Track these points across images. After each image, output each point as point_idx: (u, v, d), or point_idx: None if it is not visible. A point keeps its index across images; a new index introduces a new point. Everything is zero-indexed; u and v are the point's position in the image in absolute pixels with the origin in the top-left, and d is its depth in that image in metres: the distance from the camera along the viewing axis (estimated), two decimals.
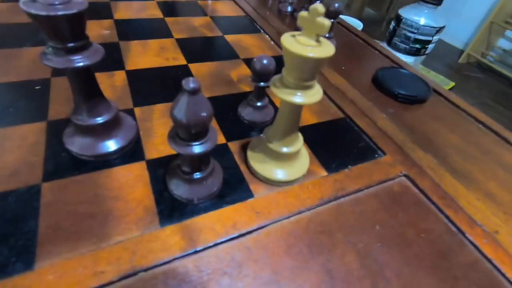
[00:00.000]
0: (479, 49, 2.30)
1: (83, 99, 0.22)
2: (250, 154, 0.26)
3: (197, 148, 0.19)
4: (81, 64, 0.19)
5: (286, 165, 0.24)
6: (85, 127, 0.23)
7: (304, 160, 0.26)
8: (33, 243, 0.19)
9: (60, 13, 0.17)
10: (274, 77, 0.21)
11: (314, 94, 0.20)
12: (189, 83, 0.17)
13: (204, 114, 0.18)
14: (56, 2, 0.17)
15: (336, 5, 0.42)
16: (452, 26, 2.41)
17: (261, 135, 0.27)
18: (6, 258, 0.18)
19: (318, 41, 0.18)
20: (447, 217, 0.24)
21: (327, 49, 0.18)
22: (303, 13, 0.18)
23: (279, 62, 0.31)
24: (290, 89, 0.20)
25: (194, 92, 0.17)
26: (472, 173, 0.29)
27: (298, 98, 0.20)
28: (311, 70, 0.19)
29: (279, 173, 0.24)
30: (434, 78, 1.39)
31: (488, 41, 2.29)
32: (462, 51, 2.43)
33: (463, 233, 0.23)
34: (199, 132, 0.19)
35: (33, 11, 0.16)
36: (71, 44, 0.19)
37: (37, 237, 0.19)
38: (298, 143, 0.24)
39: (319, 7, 0.17)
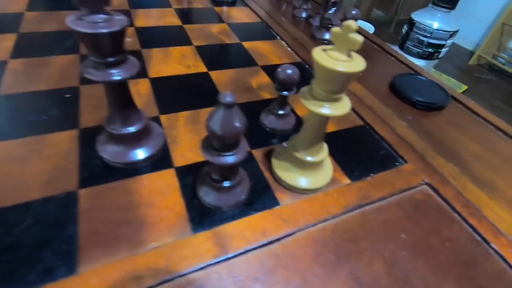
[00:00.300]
0: (490, 50, 2.27)
1: (117, 109, 0.23)
2: (274, 162, 0.26)
3: (229, 159, 0.20)
4: (118, 77, 0.20)
5: (310, 173, 0.25)
6: (118, 136, 0.24)
7: (328, 168, 0.26)
8: (74, 248, 0.20)
9: (103, 30, 0.18)
10: (303, 89, 0.22)
11: (342, 107, 0.20)
12: (226, 97, 0.18)
13: (238, 126, 0.18)
14: (99, 20, 0.18)
15: (354, 12, 0.42)
16: (462, 28, 2.38)
17: (284, 143, 0.28)
18: (51, 262, 0.19)
19: (349, 56, 0.18)
20: (471, 226, 0.24)
21: (358, 64, 0.18)
22: (336, 29, 0.18)
23: (297, 69, 0.32)
24: (319, 101, 0.20)
25: (230, 106, 0.18)
26: (494, 182, 0.29)
27: (326, 110, 0.20)
28: (342, 84, 0.19)
29: (304, 181, 0.25)
30: (447, 81, 1.38)
31: (499, 42, 2.26)
32: (472, 53, 2.40)
33: (487, 243, 0.23)
34: (232, 144, 0.20)
35: (80, 29, 0.17)
36: (110, 59, 0.20)
37: (78, 242, 0.20)
38: (323, 153, 0.24)
39: (352, 24, 0.17)
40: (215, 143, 0.20)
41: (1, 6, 0.45)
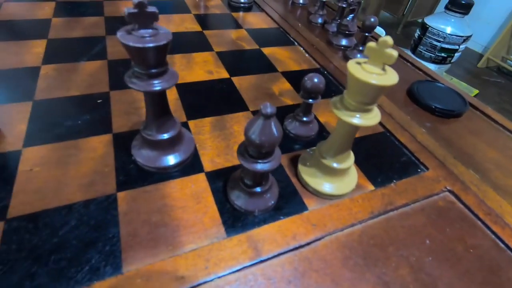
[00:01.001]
0: (500, 53, 2.25)
1: (154, 117, 0.24)
2: (301, 168, 0.27)
3: (264, 166, 0.21)
4: (159, 87, 0.21)
5: (337, 179, 0.26)
6: (153, 141, 0.25)
7: (353, 175, 0.27)
8: (117, 248, 0.21)
9: (150, 45, 0.19)
10: (334, 98, 0.22)
11: (373, 117, 0.21)
12: (267, 109, 0.18)
13: (275, 136, 0.19)
14: (147, 35, 0.19)
15: (372, 19, 0.43)
16: (472, 29, 2.37)
17: (309, 150, 0.28)
18: (98, 262, 0.20)
19: (383, 69, 0.19)
20: (494, 233, 0.25)
21: (391, 77, 0.19)
22: (372, 44, 0.19)
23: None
24: (351, 111, 0.21)
25: (270, 116, 0.19)
26: None
27: (358, 120, 0.21)
28: (374, 96, 0.20)
29: (330, 187, 0.26)
30: (458, 85, 1.37)
31: (508, 45, 2.24)
32: (481, 56, 2.38)
33: (511, 250, 0.24)
34: (268, 152, 0.21)
35: (130, 44, 0.18)
36: (153, 70, 0.21)
37: (120, 243, 0.21)
38: (350, 160, 0.25)
39: (388, 39, 0.18)
40: (252, 150, 0.21)
41: (29, 13, 0.47)
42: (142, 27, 0.19)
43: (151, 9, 0.19)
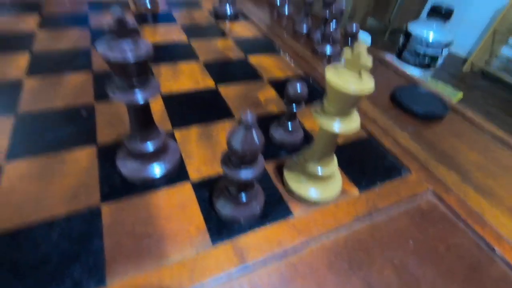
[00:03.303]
0: (483, 57, 2.32)
1: (138, 128, 0.24)
2: (286, 174, 0.27)
3: (247, 174, 0.21)
4: (141, 99, 0.22)
5: (321, 185, 0.26)
6: (138, 152, 0.25)
7: (337, 180, 0.27)
8: (101, 261, 0.20)
9: (130, 58, 0.19)
10: (315, 105, 0.23)
11: (352, 124, 0.22)
12: (247, 118, 0.19)
13: (257, 144, 0.20)
14: (127, 48, 0.19)
15: (354, 27, 0.44)
16: (455, 35, 2.44)
17: (293, 156, 0.29)
18: (80, 275, 0.20)
19: (360, 75, 0.20)
20: (474, 232, 0.26)
21: (368, 84, 0.20)
22: (347, 54, 0.20)
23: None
24: (331, 117, 0.22)
25: (250, 125, 0.19)
26: (493, 189, 0.30)
27: (337, 127, 0.21)
28: (352, 102, 0.21)
29: (315, 192, 0.26)
30: (443, 89, 1.41)
31: (491, 49, 2.31)
32: (465, 60, 2.45)
33: (491, 248, 0.25)
34: (250, 160, 0.21)
35: (110, 55, 0.19)
36: (135, 82, 0.21)
37: (104, 256, 0.21)
38: (333, 165, 0.26)
39: (362, 49, 0.19)
40: (235, 159, 0.21)
41: (12, 25, 0.46)
42: (123, 41, 0.19)
43: (131, 25, 0.19)
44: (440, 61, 0.80)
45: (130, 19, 0.19)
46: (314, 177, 0.26)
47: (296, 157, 0.28)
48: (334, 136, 0.24)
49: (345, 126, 0.21)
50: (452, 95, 1.40)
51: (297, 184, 0.26)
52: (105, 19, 0.52)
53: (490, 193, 0.30)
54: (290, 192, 0.27)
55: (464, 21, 2.45)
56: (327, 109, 0.22)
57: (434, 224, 0.26)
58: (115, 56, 0.19)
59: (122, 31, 0.19)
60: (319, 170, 0.25)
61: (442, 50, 0.76)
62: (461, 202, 0.28)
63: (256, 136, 0.20)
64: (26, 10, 0.51)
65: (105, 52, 0.19)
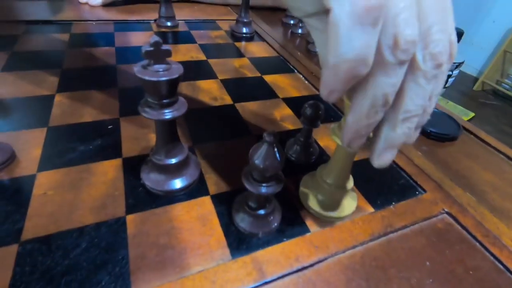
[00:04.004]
0: (494, 77, 2.31)
1: (164, 143, 0.26)
2: (303, 190, 0.28)
3: (268, 189, 0.22)
4: (170, 116, 0.23)
5: (337, 202, 0.27)
6: (162, 166, 0.26)
7: (353, 197, 0.28)
8: (126, 270, 0.21)
9: (164, 79, 0.21)
10: (334, 125, 0.24)
11: None
12: (270, 136, 0.20)
13: (278, 161, 0.21)
14: (160, 70, 0.21)
15: None
16: (465, 55, 2.45)
17: (310, 173, 0.30)
18: (107, 283, 0.20)
19: None
20: (492, 255, 0.26)
21: None
22: None
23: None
24: None
25: (272, 143, 0.20)
26: (510, 211, 0.30)
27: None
28: None
29: (332, 209, 0.27)
30: (453, 109, 1.41)
31: (502, 69, 2.30)
32: (476, 79, 2.45)
33: (510, 272, 0.24)
34: (271, 176, 0.22)
35: (146, 78, 0.20)
36: (165, 101, 0.22)
37: (129, 265, 0.22)
38: (350, 183, 0.26)
39: None
40: (256, 174, 0.22)
41: (46, 44, 0.50)
42: (157, 63, 0.21)
43: (165, 47, 0.21)
44: (450, 81, 0.81)
45: (165, 45, 0.21)
46: (330, 194, 0.26)
47: (312, 174, 0.29)
48: (351, 155, 0.24)
49: None
50: (463, 114, 1.39)
51: (313, 200, 0.27)
52: (133, 37, 0.55)
53: (508, 216, 0.30)
54: (307, 208, 0.27)
55: (474, 41, 2.46)
56: None
57: (451, 245, 0.26)
58: (150, 77, 0.20)
59: (157, 52, 0.20)
60: (336, 187, 0.26)
61: (453, 71, 0.76)
62: (477, 224, 0.28)
63: (277, 153, 0.21)
64: (58, 31, 0.55)
65: (141, 74, 0.20)
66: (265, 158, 0.20)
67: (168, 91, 0.22)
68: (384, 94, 0.15)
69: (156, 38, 0.20)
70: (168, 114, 0.23)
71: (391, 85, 0.15)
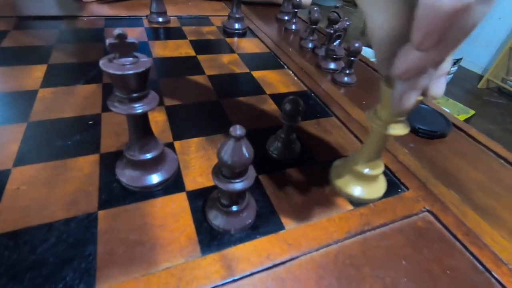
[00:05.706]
0: (499, 74, 2.28)
1: (137, 138, 0.25)
2: (333, 172, 0.30)
3: (237, 185, 0.22)
4: (140, 110, 0.23)
5: (367, 185, 0.28)
6: (136, 162, 0.26)
7: (382, 182, 0.29)
8: (93, 266, 0.21)
9: (130, 72, 0.20)
10: (368, 111, 0.25)
11: (403, 128, 0.23)
12: (236, 131, 0.20)
13: (246, 157, 0.20)
14: (127, 63, 0.21)
15: (356, 45, 0.45)
16: (469, 52, 2.41)
17: (338, 159, 0.31)
18: (72, 279, 0.20)
19: None
20: (472, 254, 0.25)
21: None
22: None
23: (303, 97, 0.34)
24: (383, 122, 0.23)
25: (240, 138, 0.20)
26: (495, 210, 0.30)
27: (391, 130, 0.23)
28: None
29: (361, 191, 0.28)
30: (453, 107, 1.39)
31: (508, 67, 2.27)
32: (480, 77, 2.41)
33: (489, 271, 0.24)
34: (240, 172, 0.21)
35: (110, 71, 0.20)
36: (135, 95, 0.22)
37: (96, 261, 0.21)
38: (381, 167, 0.27)
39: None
40: (225, 171, 0.22)
41: (34, 40, 0.50)
42: (123, 56, 0.21)
43: (131, 40, 0.20)
44: (449, 77, 0.79)
45: (130, 36, 0.20)
46: (361, 177, 0.27)
47: (344, 160, 0.31)
48: (384, 139, 0.25)
49: (396, 130, 0.23)
50: (464, 112, 1.37)
51: (344, 182, 0.28)
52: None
53: (492, 214, 0.29)
54: (338, 191, 0.29)
55: (478, 39, 2.42)
56: (380, 114, 0.23)
57: (430, 244, 0.26)
58: (115, 70, 0.20)
59: (122, 45, 0.20)
60: (367, 171, 0.27)
61: (451, 67, 0.75)
62: (458, 222, 0.27)
63: (245, 149, 0.20)
64: (48, 27, 0.55)
65: (106, 67, 0.20)
66: (232, 154, 0.20)
67: (137, 85, 0.22)
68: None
69: (120, 31, 0.19)
70: (138, 108, 0.23)
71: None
